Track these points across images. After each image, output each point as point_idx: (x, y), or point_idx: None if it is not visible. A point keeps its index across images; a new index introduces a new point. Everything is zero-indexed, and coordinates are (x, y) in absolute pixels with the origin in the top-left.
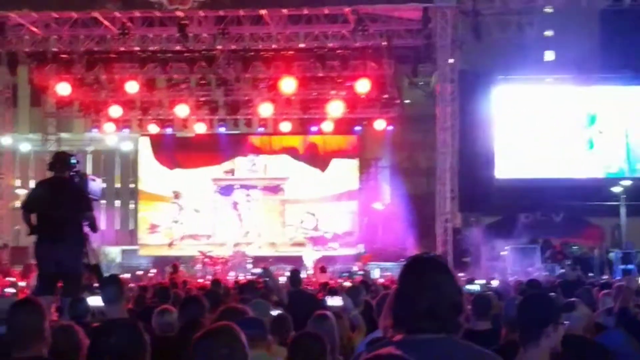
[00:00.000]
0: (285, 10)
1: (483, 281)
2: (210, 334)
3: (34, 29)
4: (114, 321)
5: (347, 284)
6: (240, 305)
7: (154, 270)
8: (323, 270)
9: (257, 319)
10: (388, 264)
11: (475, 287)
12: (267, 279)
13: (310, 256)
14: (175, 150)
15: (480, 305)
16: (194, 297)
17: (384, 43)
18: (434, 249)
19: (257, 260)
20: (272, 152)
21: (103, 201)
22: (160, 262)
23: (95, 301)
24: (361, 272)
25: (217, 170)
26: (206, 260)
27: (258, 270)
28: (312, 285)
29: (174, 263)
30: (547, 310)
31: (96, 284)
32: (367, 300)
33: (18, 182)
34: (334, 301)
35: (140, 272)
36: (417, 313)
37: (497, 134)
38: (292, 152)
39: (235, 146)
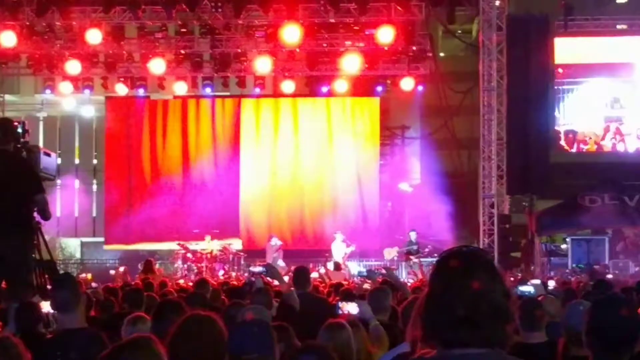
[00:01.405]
0: None
1: (538, 281)
2: (123, 349)
3: None
4: (72, 332)
5: (367, 286)
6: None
7: (123, 268)
8: (337, 267)
9: (263, 336)
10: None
11: (528, 289)
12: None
13: (340, 250)
14: (150, 117)
15: (533, 312)
16: (171, 302)
17: None
18: (476, 241)
19: (254, 255)
20: None
21: (58, 181)
22: (130, 257)
23: (49, 306)
24: (383, 272)
25: None
26: (189, 255)
27: (258, 269)
28: (324, 290)
29: (147, 259)
30: (633, 324)
31: (50, 286)
32: (392, 306)
33: None
34: (349, 307)
35: (108, 271)
36: (453, 322)
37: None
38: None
39: (224, 111)
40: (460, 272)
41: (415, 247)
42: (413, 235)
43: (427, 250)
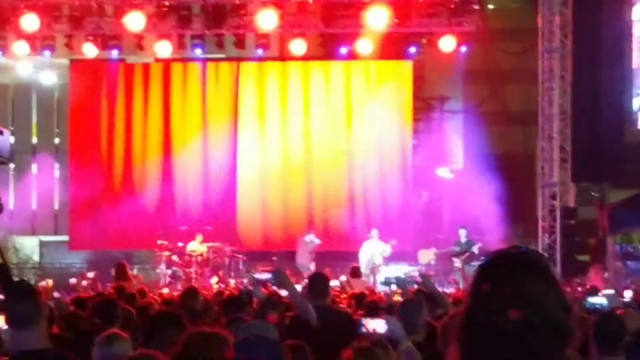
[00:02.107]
0: None
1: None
2: None
3: None
4: (32, 354)
5: (398, 298)
6: (223, 329)
7: (92, 274)
8: (355, 274)
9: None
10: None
11: (599, 301)
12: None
13: (375, 249)
14: (125, 85)
15: (608, 330)
16: (168, 314)
17: None
18: (533, 241)
19: (256, 257)
20: None
21: (11, 165)
22: (101, 260)
23: (1, 322)
24: (416, 280)
25: None
26: (174, 258)
27: (265, 276)
28: (343, 302)
29: (119, 262)
30: None
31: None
32: (430, 322)
33: None
34: (375, 325)
35: (72, 278)
36: (496, 341)
37: (635, 59)
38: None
39: (218, 78)
40: (506, 280)
41: (465, 249)
42: (463, 234)
43: (474, 251)
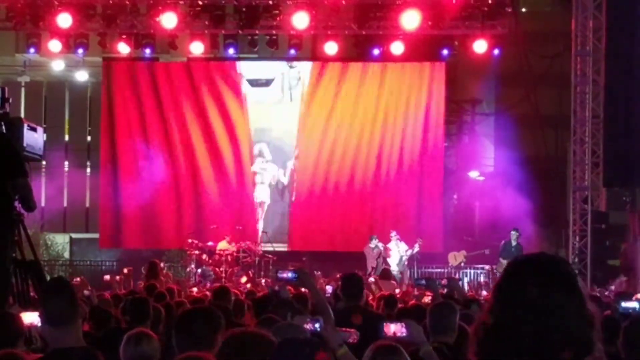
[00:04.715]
0: None
1: None
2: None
3: None
4: (68, 351)
5: (428, 299)
6: (260, 329)
7: (126, 270)
8: (385, 276)
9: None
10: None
11: (632, 305)
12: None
13: (401, 250)
14: (159, 83)
15: (637, 335)
16: (203, 310)
17: None
18: (564, 244)
19: (286, 257)
20: None
21: (44, 162)
22: (132, 258)
23: (31, 318)
24: (442, 283)
25: None
26: (204, 256)
27: (288, 275)
28: (372, 303)
29: (151, 261)
30: None
31: (33, 293)
32: (461, 325)
33: None
34: (395, 328)
35: (103, 275)
36: (514, 351)
37: None
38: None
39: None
40: (528, 288)
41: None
42: (514, 236)
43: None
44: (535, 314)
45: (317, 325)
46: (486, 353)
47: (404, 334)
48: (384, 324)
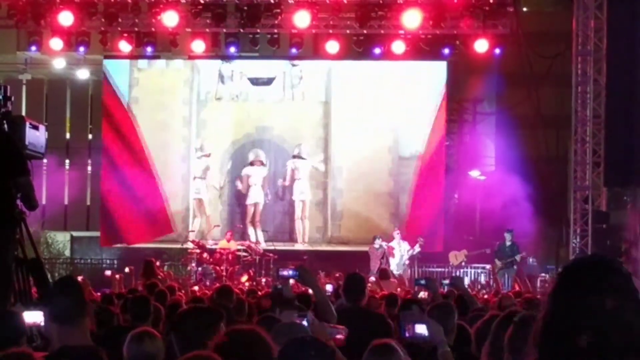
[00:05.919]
0: None
1: None
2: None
3: None
4: (75, 349)
5: (423, 294)
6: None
7: (128, 269)
8: (384, 275)
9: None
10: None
11: None
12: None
13: (403, 249)
14: (160, 82)
15: None
16: (198, 309)
17: None
18: (565, 244)
19: (287, 257)
20: None
21: (45, 160)
22: (132, 257)
23: (34, 317)
24: (447, 282)
25: None
26: (205, 255)
27: (289, 272)
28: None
29: (146, 260)
30: None
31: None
32: (461, 324)
33: None
34: (419, 328)
35: (104, 273)
36: (574, 352)
37: None
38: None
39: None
40: (586, 289)
41: (509, 254)
42: (508, 237)
43: (516, 259)
44: (594, 314)
45: (304, 320)
46: (547, 356)
47: (426, 334)
48: (408, 324)
